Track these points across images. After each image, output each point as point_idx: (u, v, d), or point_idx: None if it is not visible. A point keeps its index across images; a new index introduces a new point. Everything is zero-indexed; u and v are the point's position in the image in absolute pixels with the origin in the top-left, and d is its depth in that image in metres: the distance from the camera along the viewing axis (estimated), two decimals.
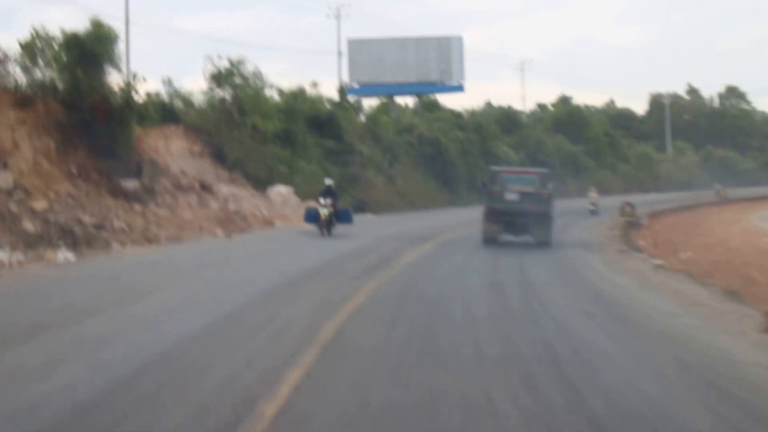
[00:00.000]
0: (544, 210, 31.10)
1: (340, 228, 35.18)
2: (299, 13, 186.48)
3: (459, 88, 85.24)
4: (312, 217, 35.05)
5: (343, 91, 73.86)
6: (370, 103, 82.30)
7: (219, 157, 47.44)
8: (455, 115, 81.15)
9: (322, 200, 34.63)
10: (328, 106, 62.13)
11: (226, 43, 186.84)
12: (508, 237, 32.83)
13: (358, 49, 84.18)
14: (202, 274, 21.91)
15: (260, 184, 46.13)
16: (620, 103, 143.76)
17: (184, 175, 41.39)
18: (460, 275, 23.01)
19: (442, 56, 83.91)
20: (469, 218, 46.69)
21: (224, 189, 43.74)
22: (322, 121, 58.31)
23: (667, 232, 44.97)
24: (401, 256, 26.93)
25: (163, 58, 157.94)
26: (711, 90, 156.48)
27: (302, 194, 48.01)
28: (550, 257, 28.73)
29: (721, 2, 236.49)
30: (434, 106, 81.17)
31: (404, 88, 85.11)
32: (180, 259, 26.23)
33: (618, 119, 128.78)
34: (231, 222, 38.44)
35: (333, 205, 34.67)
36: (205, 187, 41.72)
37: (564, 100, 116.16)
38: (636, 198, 62.41)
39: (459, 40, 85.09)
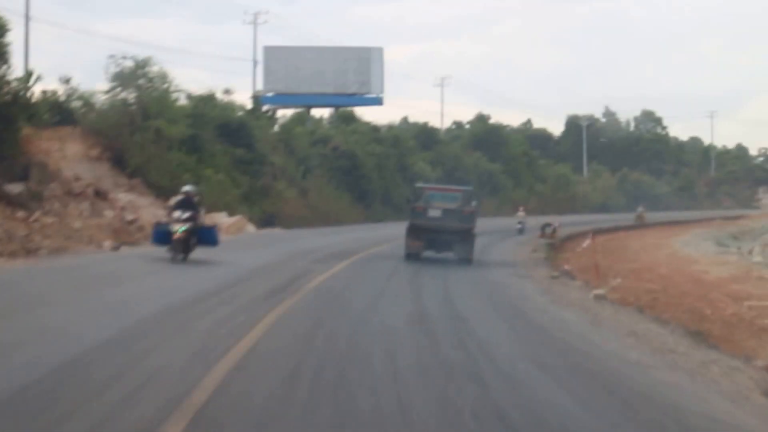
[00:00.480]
0: (466, 227, 30.74)
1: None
2: (218, 21, 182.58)
3: (377, 101, 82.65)
4: (161, 236, 26.34)
5: (257, 99, 70.51)
6: (286, 113, 79.15)
7: (119, 162, 43.90)
8: (373, 129, 78.38)
9: (177, 213, 25.70)
10: (240, 113, 58.55)
11: (142, 47, 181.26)
12: (429, 253, 32.03)
13: (274, 56, 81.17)
14: None
15: (163, 192, 42.63)
16: (537, 124, 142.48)
17: (78, 181, 37.81)
18: (379, 306, 18.94)
19: (362, 68, 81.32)
20: (384, 235, 44.19)
21: (122, 197, 40.22)
22: (232, 129, 55.04)
23: (591, 256, 42.45)
24: (308, 279, 22.97)
25: (75, 63, 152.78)
26: (628, 114, 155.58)
27: (208, 204, 44.61)
28: (479, 282, 26.09)
29: (640, 30, 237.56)
30: (351, 118, 78.37)
31: (321, 99, 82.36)
32: None
33: (535, 140, 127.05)
34: (126, 232, 35.08)
35: (193, 220, 25.74)
36: (101, 194, 38.11)
37: (481, 119, 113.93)
38: (553, 219, 59.78)
39: (379, 52, 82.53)
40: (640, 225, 77.36)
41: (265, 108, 71.07)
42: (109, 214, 36.71)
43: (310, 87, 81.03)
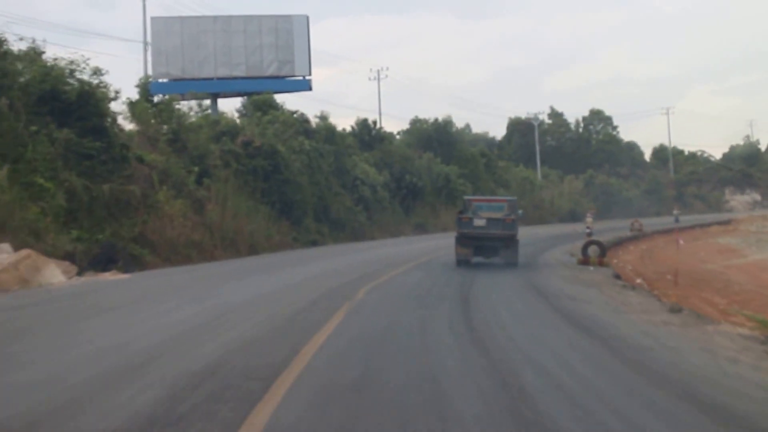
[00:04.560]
0: (509, 234, 30.83)
1: None
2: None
3: (304, 85, 59.98)
4: None
5: (144, 87, 47.26)
6: (188, 105, 55.73)
7: None
8: (300, 119, 55.51)
9: None
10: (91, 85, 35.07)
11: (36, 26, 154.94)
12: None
13: (166, 31, 58.48)
14: None
15: None
16: (477, 129, 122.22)
17: None
18: None
19: (282, 42, 59.02)
20: (338, 282, 22.88)
21: None
22: (70, 106, 32.14)
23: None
24: None
25: None
26: (576, 114, 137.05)
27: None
28: None
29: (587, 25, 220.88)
30: (269, 105, 55.28)
31: (230, 85, 59.67)
32: None
33: (476, 142, 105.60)
34: None
35: None
36: None
37: (417, 121, 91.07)
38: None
39: (303, 21, 60.00)
40: (640, 235, 61.53)
41: (156, 99, 47.53)
42: None
43: (214, 70, 58.42)
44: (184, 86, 56.97)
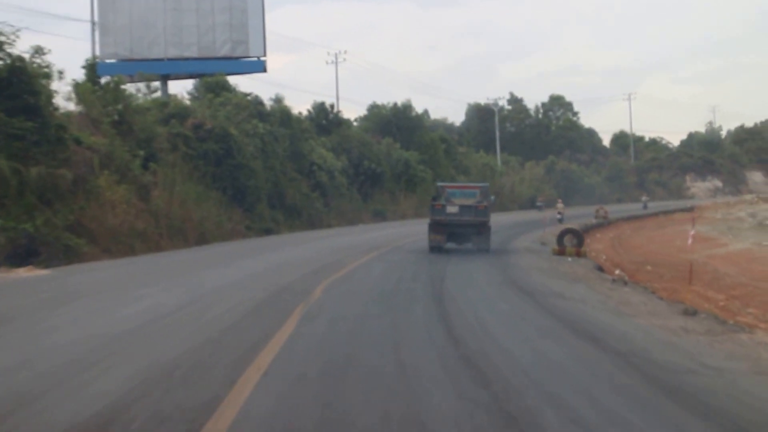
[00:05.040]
0: (482, 221, 30.87)
1: None
2: None
3: (259, 66, 56.92)
4: None
5: (91, 68, 44.09)
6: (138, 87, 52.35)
7: None
8: (254, 102, 52.49)
9: None
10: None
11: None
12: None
13: (113, 9, 55.29)
14: None
15: None
16: (435, 115, 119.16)
17: None
18: None
19: (235, 21, 55.99)
20: (290, 277, 20.02)
21: None
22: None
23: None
24: None
25: None
26: (535, 100, 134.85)
27: None
28: None
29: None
30: (222, 87, 52.22)
31: (181, 66, 56.51)
32: None
33: (435, 128, 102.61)
34: None
35: None
36: None
37: (375, 107, 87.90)
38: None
39: (258, 0, 56.74)
40: (605, 222, 59.62)
41: (104, 80, 44.32)
42: None
43: (164, 50, 55.26)
44: (132, 67, 53.64)
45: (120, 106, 39.61)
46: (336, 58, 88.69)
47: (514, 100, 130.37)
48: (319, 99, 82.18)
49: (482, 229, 30.80)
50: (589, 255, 30.98)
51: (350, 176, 62.68)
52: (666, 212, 77.15)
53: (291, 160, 52.85)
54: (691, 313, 14.42)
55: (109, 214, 32.21)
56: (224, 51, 55.87)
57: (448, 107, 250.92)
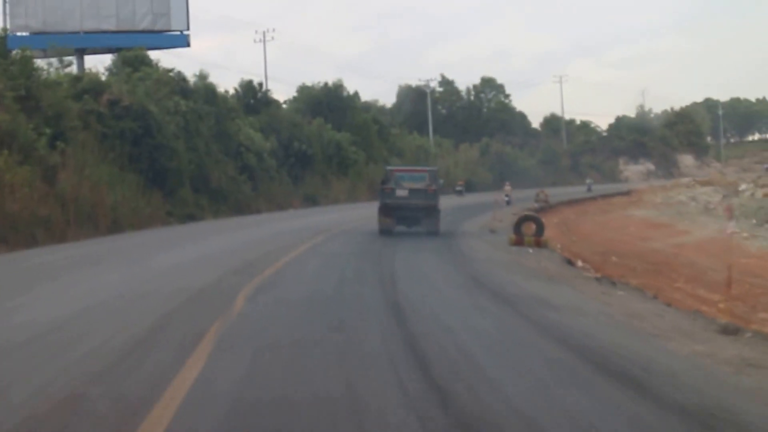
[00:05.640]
0: (431, 204, 30.86)
1: None
2: None
3: (182, 40, 52.63)
4: None
5: (1, 41, 39.68)
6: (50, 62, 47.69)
7: None
8: (177, 78, 48.12)
9: None
10: None
11: None
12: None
13: None
14: None
15: None
16: (366, 97, 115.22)
17: None
18: None
19: None
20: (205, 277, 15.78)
21: None
22: None
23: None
24: None
25: None
26: (466, 83, 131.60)
27: None
28: None
29: None
30: (141, 61, 47.82)
31: (98, 40, 51.90)
32: None
33: (366, 110, 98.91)
34: None
35: None
36: None
37: (304, 88, 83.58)
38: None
39: None
40: (546, 206, 54.56)
41: (14, 53, 39.77)
42: None
43: (80, 22, 50.67)
44: (46, 40, 48.94)
45: (25, 80, 35.29)
46: (264, 36, 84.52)
47: (446, 82, 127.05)
48: (247, 76, 77.23)
49: (432, 212, 30.82)
50: (551, 245, 27.52)
51: (280, 158, 58.59)
52: (604, 196, 74.36)
53: (216, 141, 48.71)
54: (731, 331, 10.92)
55: (8, 199, 28.07)
56: (145, 24, 51.41)
57: (378, 89, 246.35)
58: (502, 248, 25.57)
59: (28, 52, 36.83)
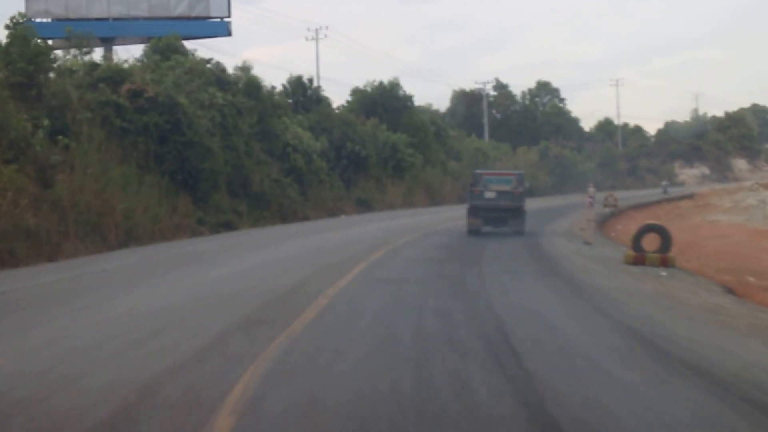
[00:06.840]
0: (517, 205, 31.59)
1: None
2: None
3: (222, 28, 46.07)
4: None
5: (17, 27, 32.95)
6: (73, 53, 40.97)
7: None
8: (214, 68, 41.12)
9: None
10: None
11: None
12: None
13: None
14: None
15: None
16: (420, 102, 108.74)
17: None
18: None
19: None
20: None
21: None
22: None
23: None
24: None
25: None
26: (521, 87, 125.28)
27: None
28: None
29: None
30: (174, 49, 40.96)
31: (129, 28, 45.48)
32: None
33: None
34: None
35: None
36: None
37: (357, 91, 76.58)
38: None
39: None
40: (616, 211, 51.21)
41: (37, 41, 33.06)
42: None
43: (107, 8, 44.25)
44: (74, 27, 42.32)
45: (25, 65, 28.57)
46: (317, 34, 77.81)
47: (500, 87, 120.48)
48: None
49: (518, 213, 31.78)
50: (680, 263, 20.17)
51: (331, 160, 51.47)
52: (668, 200, 68.85)
53: (259, 140, 41.71)
54: None
55: None
56: (180, 9, 44.96)
57: (431, 94, 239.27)
58: (621, 268, 18.55)
59: (23, 30, 30.15)
